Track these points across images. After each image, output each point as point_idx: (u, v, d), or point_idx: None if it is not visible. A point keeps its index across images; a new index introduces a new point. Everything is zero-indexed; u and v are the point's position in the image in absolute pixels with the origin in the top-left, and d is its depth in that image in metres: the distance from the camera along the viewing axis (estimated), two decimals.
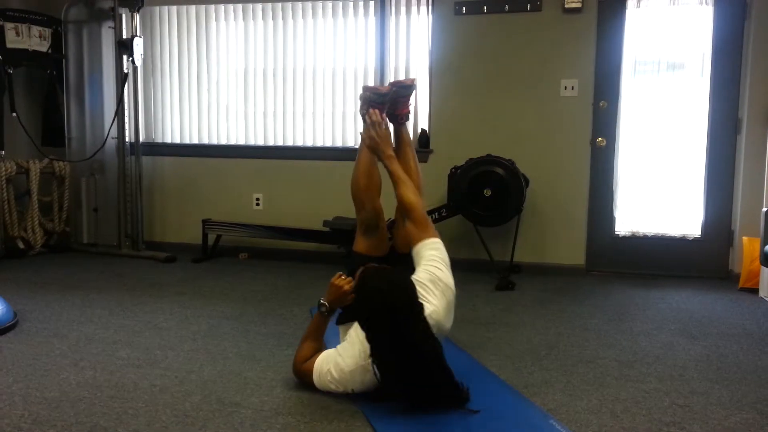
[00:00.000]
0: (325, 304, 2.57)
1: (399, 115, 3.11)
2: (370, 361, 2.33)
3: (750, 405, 2.47)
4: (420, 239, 2.61)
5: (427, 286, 2.45)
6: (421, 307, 2.34)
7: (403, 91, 3.06)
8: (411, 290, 2.37)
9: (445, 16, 4.82)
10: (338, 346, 2.53)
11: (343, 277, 2.57)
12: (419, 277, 2.48)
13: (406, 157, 3.08)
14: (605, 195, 4.75)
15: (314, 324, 2.62)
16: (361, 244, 2.88)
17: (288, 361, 2.84)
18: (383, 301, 2.29)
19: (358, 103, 3.11)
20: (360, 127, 4.97)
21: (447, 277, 2.55)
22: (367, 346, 2.35)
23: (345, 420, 2.27)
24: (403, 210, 2.74)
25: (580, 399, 2.50)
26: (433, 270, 2.51)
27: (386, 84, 3.22)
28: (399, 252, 2.92)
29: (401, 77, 4.98)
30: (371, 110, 2.89)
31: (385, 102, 3.04)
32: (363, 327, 2.36)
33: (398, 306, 2.28)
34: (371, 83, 5.02)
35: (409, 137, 3.21)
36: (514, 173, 4.41)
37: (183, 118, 5.47)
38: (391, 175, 2.79)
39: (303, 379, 2.54)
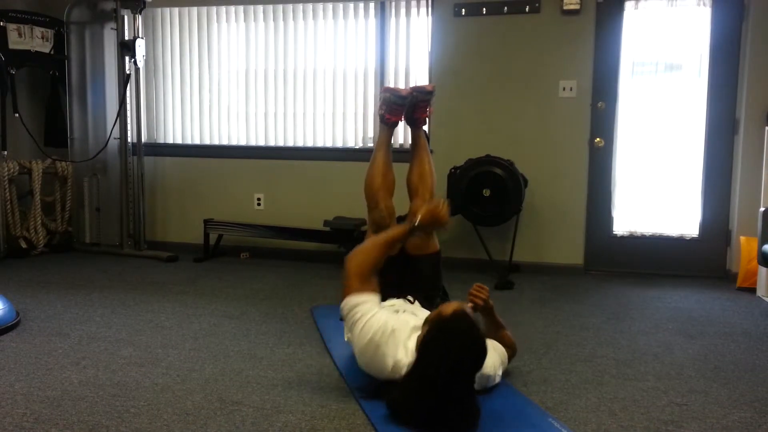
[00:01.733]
0: (414, 223, 2.54)
1: (416, 119, 3.14)
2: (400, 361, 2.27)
3: (747, 403, 2.47)
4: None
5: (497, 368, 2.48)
6: (473, 380, 2.22)
7: (422, 96, 3.08)
8: (480, 363, 2.22)
9: (444, 18, 4.83)
10: (385, 307, 2.48)
11: (447, 205, 2.57)
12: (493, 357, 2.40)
13: (421, 161, 3.12)
14: (603, 195, 4.77)
15: (391, 236, 2.57)
16: None
17: (289, 359, 2.88)
18: (460, 352, 2.12)
19: (371, 103, 3.13)
20: (370, 126, 5.04)
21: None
22: (403, 349, 2.30)
23: (346, 418, 2.28)
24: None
25: (578, 397, 2.51)
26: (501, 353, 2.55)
27: (407, 87, 3.24)
28: (409, 253, 2.93)
29: (401, 78, 5.01)
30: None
31: (405, 105, 3.07)
32: (420, 355, 2.21)
33: (463, 370, 2.15)
34: (371, 84, 5.04)
35: (425, 141, 3.22)
36: (513, 173, 4.43)
37: (185, 118, 5.49)
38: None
39: (346, 280, 2.43)
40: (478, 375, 2.26)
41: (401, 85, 4.92)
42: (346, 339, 2.84)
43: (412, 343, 2.31)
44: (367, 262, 2.47)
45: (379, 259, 2.50)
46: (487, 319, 2.65)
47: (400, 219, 3.12)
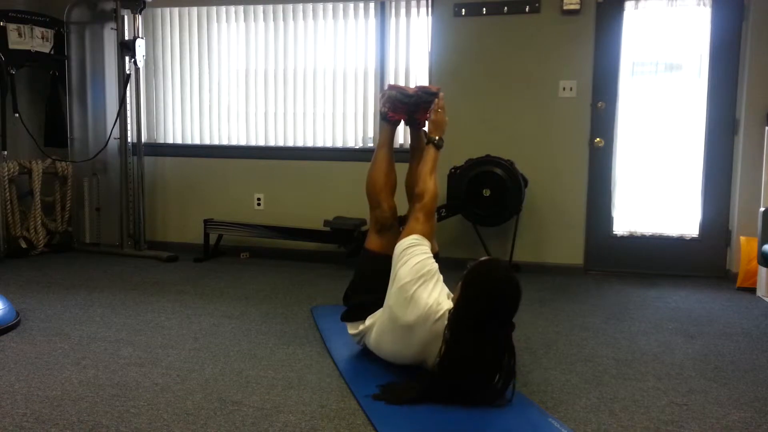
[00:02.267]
0: (440, 140, 2.83)
1: (417, 120, 3.14)
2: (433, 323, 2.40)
3: (747, 403, 2.47)
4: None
5: None
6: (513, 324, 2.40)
7: (427, 97, 3.06)
8: (518, 302, 2.39)
9: (444, 18, 4.83)
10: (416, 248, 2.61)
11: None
12: None
13: (421, 161, 3.12)
14: (603, 195, 4.77)
15: (435, 156, 2.83)
16: (373, 242, 2.89)
17: (289, 359, 2.88)
18: (504, 292, 2.34)
19: (371, 103, 3.12)
20: (370, 126, 5.04)
21: None
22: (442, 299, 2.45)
23: (346, 418, 2.28)
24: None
25: (578, 398, 2.51)
26: None
27: (413, 87, 3.24)
28: None
29: (401, 78, 5.01)
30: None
31: (409, 104, 3.06)
32: (466, 292, 2.37)
33: (508, 307, 2.35)
34: (371, 84, 5.04)
35: (425, 141, 3.22)
36: (513, 173, 4.43)
37: (185, 118, 5.49)
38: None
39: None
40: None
41: (404, 85, 4.91)
42: (350, 333, 2.85)
43: (447, 300, 2.48)
44: (435, 192, 2.77)
45: (437, 188, 2.80)
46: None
47: (402, 219, 3.12)
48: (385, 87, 3.14)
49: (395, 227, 2.93)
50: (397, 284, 2.53)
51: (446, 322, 2.36)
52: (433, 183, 2.77)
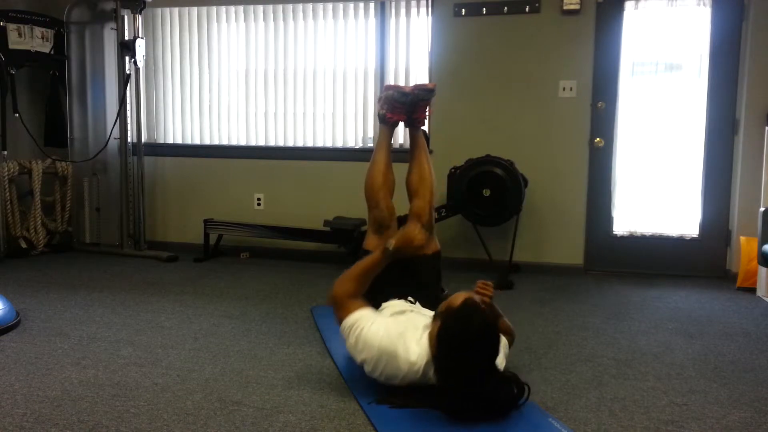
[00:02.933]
0: (389, 248, 2.55)
1: (416, 119, 3.13)
2: (416, 362, 2.29)
3: (747, 403, 2.47)
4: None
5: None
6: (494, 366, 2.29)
7: (424, 94, 3.06)
8: (497, 346, 2.28)
9: (444, 18, 4.83)
10: (382, 313, 2.50)
11: (422, 231, 2.60)
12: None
13: (420, 162, 3.11)
14: (603, 195, 4.76)
15: (370, 262, 2.56)
16: (372, 243, 2.89)
17: (289, 359, 2.88)
18: (477, 339, 2.19)
19: (371, 103, 3.12)
20: (370, 126, 5.04)
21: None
22: (416, 348, 2.31)
23: (346, 418, 2.28)
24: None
25: (578, 397, 2.50)
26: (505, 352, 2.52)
27: (409, 85, 3.24)
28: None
29: (401, 78, 5.00)
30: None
31: (407, 103, 3.06)
32: (440, 344, 2.23)
33: (484, 351, 2.21)
34: (371, 84, 5.04)
35: (424, 141, 3.21)
36: (513, 173, 4.42)
37: (185, 118, 5.49)
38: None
39: (335, 308, 2.47)
40: None
41: (402, 84, 4.91)
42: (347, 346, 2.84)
43: (424, 341, 2.33)
44: (351, 289, 2.50)
45: (361, 286, 2.51)
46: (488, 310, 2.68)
47: (401, 219, 3.12)
48: (383, 88, 3.12)
49: (393, 227, 2.93)
50: (371, 352, 2.36)
51: (428, 373, 2.29)
52: (351, 288, 2.53)
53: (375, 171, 3.01)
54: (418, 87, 3.10)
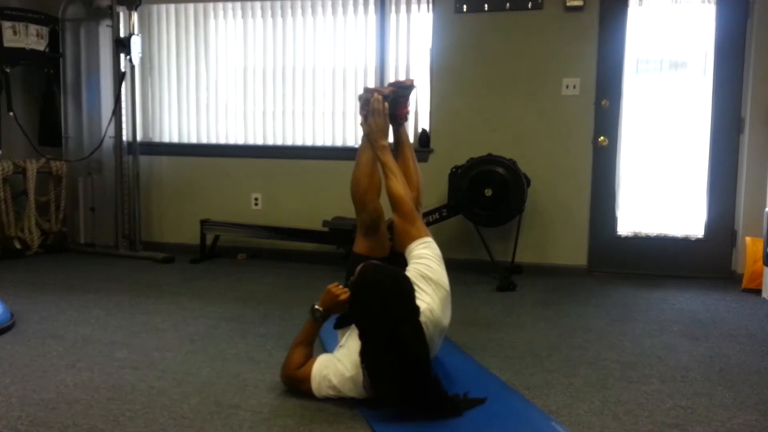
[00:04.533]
0: (319, 310, 2.52)
1: (398, 116, 3.11)
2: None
3: (752, 406, 2.45)
4: (410, 237, 2.62)
5: (416, 283, 2.42)
6: (417, 308, 2.31)
7: (402, 91, 3.05)
8: (409, 288, 2.34)
9: (445, 14, 4.80)
10: (336, 353, 2.49)
11: (340, 286, 2.52)
12: (409, 274, 2.46)
13: (405, 158, 3.10)
14: (607, 195, 4.73)
15: (306, 330, 2.56)
16: (361, 246, 2.87)
17: None
18: (382, 295, 2.26)
19: (358, 104, 3.09)
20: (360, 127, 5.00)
21: (438, 273, 2.51)
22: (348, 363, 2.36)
23: (344, 422, 2.26)
24: (392, 202, 2.74)
25: (582, 401, 2.48)
26: (421, 268, 2.49)
27: (386, 85, 3.22)
28: (400, 253, 2.89)
29: (401, 76, 4.97)
30: (375, 95, 2.86)
31: (387, 102, 3.02)
32: (357, 324, 2.33)
33: (396, 302, 2.26)
34: (371, 82, 5.01)
35: (408, 138, 3.20)
36: (515, 173, 4.39)
37: (181, 117, 5.45)
38: (383, 166, 2.80)
39: (296, 386, 2.48)
40: (425, 319, 2.34)
41: (381, 86, 4.87)
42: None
43: (352, 339, 2.41)
44: (298, 361, 2.49)
45: (303, 358, 2.50)
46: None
47: (392, 224, 3.08)
48: (362, 91, 3.09)
49: (382, 230, 2.90)
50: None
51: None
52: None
53: (360, 173, 2.98)
54: (395, 84, 3.11)
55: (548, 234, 4.79)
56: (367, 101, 3.02)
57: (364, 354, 2.27)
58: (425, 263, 2.50)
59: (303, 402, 2.42)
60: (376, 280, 2.31)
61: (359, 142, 5.03)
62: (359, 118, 4.96)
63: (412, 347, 2.22)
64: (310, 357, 2.50)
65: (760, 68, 4.39)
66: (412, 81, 3.14)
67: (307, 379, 2.42)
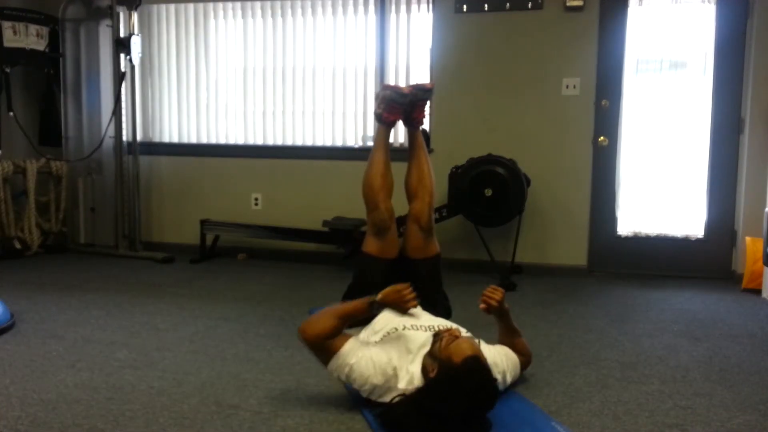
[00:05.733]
0: (377, 302, 2.44)
1: (414, 119, 3.11)
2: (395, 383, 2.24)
3: (753, 407, 2.45)
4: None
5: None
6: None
7: (422, 94, 3.04)
8: (492, 406, 2.16)
9: (445, 14, 4.79)
10: (370, 346, 2.37)
11: (410, 289, 2.46)
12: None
13: (419, 161, 3.08)
14: (607, 195, 4.73)
15: (353, 308, 2.43)
16: (371, 246, 2.86)
17: (287, 362, 2.85)
18: (472, 402, 2.08)
19: (371, 101, 3.10)
20: (370, 125, 5.01)
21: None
22: (406, 375, 2.25)
23: (345, 422, 2.26)
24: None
25: (582, 401, 2.48)
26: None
27: (408, 85, 3.20)
28: (409, 256, 2.91)
29: (401, 76, 4.97)
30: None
31: (405, 104, 3.03)
32: (432, 392, 2.12)
33: (477, 413, 2.11)
34: (371, 82, 5.01)
35: (423, 141, 3.17)
36: (515, 173, 4.39)
37: (181, 117, 5.44)
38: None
39: (314, 349, 2.34)
40: None
41: (402, 83, 4.88)
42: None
43: (416, 367, 2.26)
44: (328, 330, 2.33)
45: (333, 330, 2.34)
46: (501, 323, 2.62)
47: (400, 220, 3.08)
48: (381, 87, 3.09)
49: (393, 230, 2.89)
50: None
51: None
52: (329, 324, 2.36)
53: (373, 172, 2.97)
54: (416, 87, 3.08)
55: (548, 234, 4.78)
56: (386, 98, 3.02)
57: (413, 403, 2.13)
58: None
59: (303, 402, 2.42)
60: (480, 383, 2.10)
61: (359, 142, 5.07)
62: (359, 118, 5.05)
63: None
64: (339, 332, 2.35)
65: (760, 68, 4.38)
66: (433, 85, 3.12)
67: (331, 354, 2.30)
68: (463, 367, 2.08)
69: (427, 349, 2.28)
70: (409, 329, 2.40)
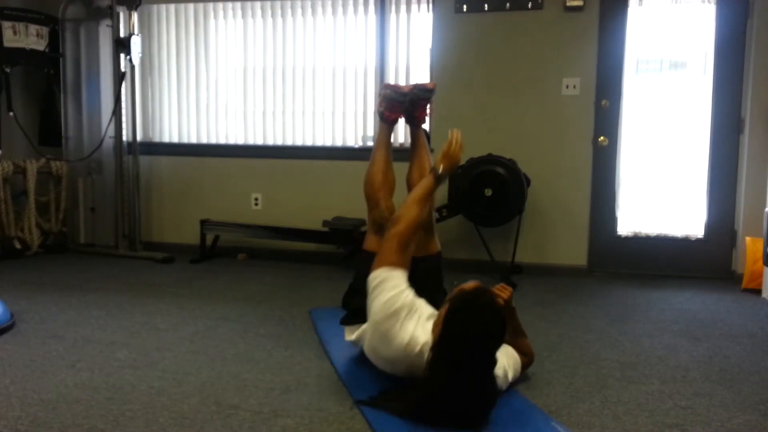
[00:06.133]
0: (438, 171, 2.65)
1: (416, 118, 3.11)
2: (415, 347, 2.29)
3: (753, 406, 2.45)
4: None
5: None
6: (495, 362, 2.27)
7: (423, 94, 3.04)
8: (502, 335, 2.25)
9: (445, 14, 4.79)
10: (416, 297, 2.45)
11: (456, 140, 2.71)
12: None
13: (420, 160, 3.09)
14: (607, 195, 4.73)
15: (427, 188, 2.65)
16: (372, 244, 2.85)
17: (287, 362, 2.85)
18: (484, 323, 2.17)
19: (371, 101, 3.10)
20: (370, 125, 5.01)
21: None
22: (418, 330, 2.33)
23: (345, 422, 2.25)
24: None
25: (582, 401, 2.48)
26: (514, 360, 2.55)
27: (408, 85, 3.21)
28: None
29: (401, 76, 4.97)
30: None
31: (405, 102, 3.03)
32: (447, 325, 2.21)
33: (490, 337, 2.19)
34: (371, 82, 5.01)
35: (425, 140, 3.18)
36: (516, 173, 4.39)
37: (181, 117, 5.44)
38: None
39: (393, 241, 2.49)
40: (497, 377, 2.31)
41: (402, 83, 4.88)
42: (347, 340, 2.80)
43: (429, 325, 2.35)
44: (415, 222, 2.55)
45: (421, 219, 2.59)
46: (507, 323, 2.64)
47: None
48: (382, 85, 3.10)
49: None
50: (371, 320, 2.42)
51: (426, 357, 2.25)
52: (415, 211, 2.57)
53: (375, 170, 2.98)
54: (417, 86, 3.09)
55: (548, 234, 4.78)
56: (386, 97, 3.03)
57: (432, 363, 2.21)
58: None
59: (303, 402, 2.42)
60: (491, 309, 2.21)
61: (359, 142, 5.07)
62: (359, 118, 5.05)
63: (478, 377, 2.21)
64: (429, 216, 2.70)
65: (760, 68, 4.38)
66: (434, 85, 3.12)
67: (382, 263, 2.45)
68: (473, 291, 2.24)
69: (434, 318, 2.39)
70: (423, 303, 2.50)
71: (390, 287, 2.37)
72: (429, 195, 2.65)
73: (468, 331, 2.14)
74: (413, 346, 2.30)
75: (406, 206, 2.60)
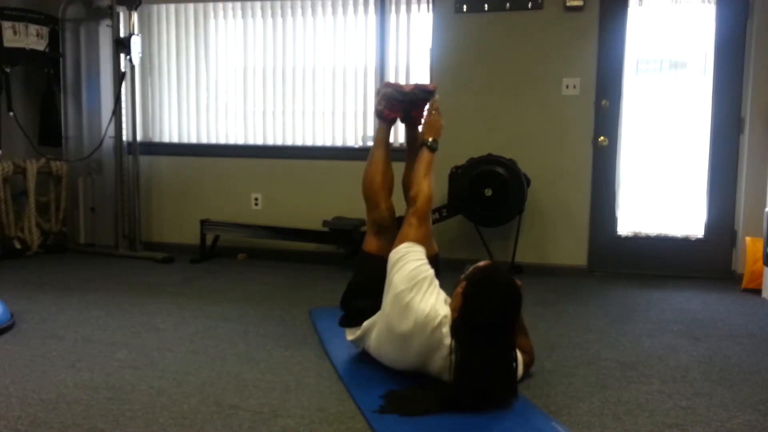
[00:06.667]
0: (429, 143, 2.79)
1: (414, 118, 3.10)
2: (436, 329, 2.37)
3: (753, 406, 2.45)
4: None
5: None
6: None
7: (423, 95, 3.03)
8: (519, 306, 2.40)
9: (445, 14, 4.79)
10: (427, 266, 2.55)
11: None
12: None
13: (418, 159, 3.08)
14: (607, 195, 4.73)
15: (425, 161, 2.77)
16: (372, 244, 2.85)
17: (287, 362, 2.85)
18: (502, 295, 2.33)
19: (371, 101, 3.10)
20: (370, 125, 5.01)
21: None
22: (437, 304, 2.42)
23: (345, 422, 2.25)
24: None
25: (582, 401, 2.48)
26: None
27: (409, 84, 3.21)
28: None
29: (401, 76, 4.97)
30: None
31: (405, 101, 3.02)
32: (468, 301, 2.35)
33: (509, 309, 2.34)
34: (371, 82, 5.00)
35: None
36: (515, 173, 4.39)
37: (181, 117, 5.44)
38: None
39: (413, 217, 2.66)
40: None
41: (402, 83, 4.87)
42: (348, 339, 2.80)
43: (447, 303, 2.48)
44: (429, 195, 2.71)
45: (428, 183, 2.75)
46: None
47: (401, 220, 3.07)
48: (382, 84, 3.10)
49: (393, 228, 2.88)
50: (392, 292, 2.49)
51: (448, 331, 2.35)
52: (426, 186, 2.70)
53: (373, 170, 2.96)
54: (418, 87, 3.07)
55: (548, 234, 4.78)
56: (386, 96, 3.02)
57: (459, 335, 2.33)
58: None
59: (303, 402, 2.41)
60: (509, 284, 2.37)
61: (359, 142, 5.07)
62: (359, 118, 5.05)
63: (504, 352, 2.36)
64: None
65: (761, 68, 4.38)
66: (435, 87, 3.11)
67: (418, 238, 2.60)
68: (489, 266, 2.44)
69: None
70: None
71: (414, 259, 2.51)
72: (431, 166, 2.76)
73: (490, 302, 2.29)
74: (433, 317, 2.38)
75: (417, 185, 2.71)
